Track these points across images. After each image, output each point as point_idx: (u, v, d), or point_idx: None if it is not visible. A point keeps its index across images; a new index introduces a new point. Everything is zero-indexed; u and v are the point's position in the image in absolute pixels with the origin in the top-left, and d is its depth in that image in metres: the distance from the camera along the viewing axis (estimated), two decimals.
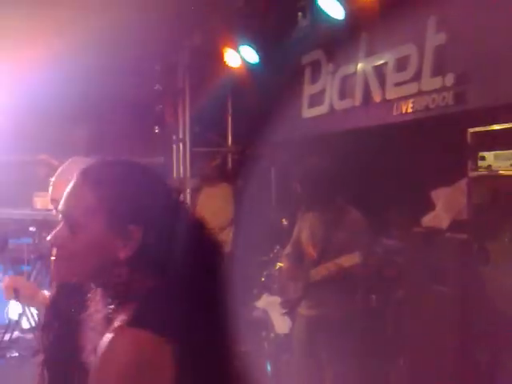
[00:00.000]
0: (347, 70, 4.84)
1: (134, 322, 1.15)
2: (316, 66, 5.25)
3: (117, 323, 1.17)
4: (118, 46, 5.04)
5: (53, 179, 2.27)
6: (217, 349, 1.25)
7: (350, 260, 3.64)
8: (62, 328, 2.02)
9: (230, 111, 6.71)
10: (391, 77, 4.35)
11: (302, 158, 4.08)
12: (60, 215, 1.29)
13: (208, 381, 1.23)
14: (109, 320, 1.24)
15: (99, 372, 1.12)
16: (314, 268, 3.74)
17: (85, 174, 1.29)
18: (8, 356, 5.10)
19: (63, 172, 2.24)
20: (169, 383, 1.13)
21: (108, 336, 1.15)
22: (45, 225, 5.10)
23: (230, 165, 6.80)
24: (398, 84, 4.28)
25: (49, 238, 1.31)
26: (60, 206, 1.29)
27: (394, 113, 4.27)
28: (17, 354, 5.10)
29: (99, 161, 1.34)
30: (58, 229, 1.28)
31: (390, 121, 4.32)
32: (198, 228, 1.33)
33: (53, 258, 1.32)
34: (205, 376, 1.21)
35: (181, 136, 6.77)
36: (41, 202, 5.53)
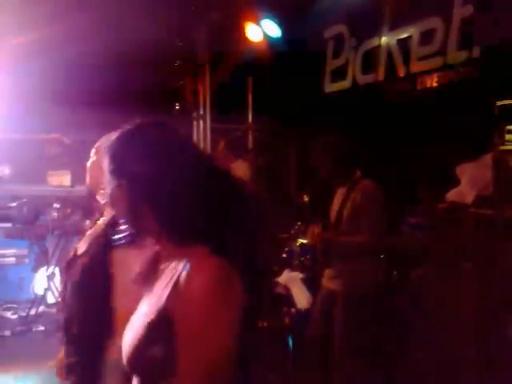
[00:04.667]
0: (371, 43, 4.78)
1: (214, 253, 1.30)
2: (339, 40, 5.18)
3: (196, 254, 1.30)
4: (138, 23, 5.01)
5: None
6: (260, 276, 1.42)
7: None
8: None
9: (251, 87, 6.66)
10: (416, 50, 4.28)
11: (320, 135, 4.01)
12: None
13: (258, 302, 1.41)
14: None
15: (186, 290, 1.24)
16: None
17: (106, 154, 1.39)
18: (34, 330, 5.19)
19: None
20: (239, 303, 1.29)
21: (190, 262, 1.28)
22: (68, 201, 5.16)
23: (250, 141, 6.77)
24: (422, 58, 4.21)
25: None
26: None
27: (419, 87, 4.21)
28: (42, 328, 5.18)
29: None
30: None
31: (414, 95, 4.26)
32: (226, 177, 1.41)
33: None
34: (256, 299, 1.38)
35: (201, 112, 6.75)
36: (55, 179, 5.56)
